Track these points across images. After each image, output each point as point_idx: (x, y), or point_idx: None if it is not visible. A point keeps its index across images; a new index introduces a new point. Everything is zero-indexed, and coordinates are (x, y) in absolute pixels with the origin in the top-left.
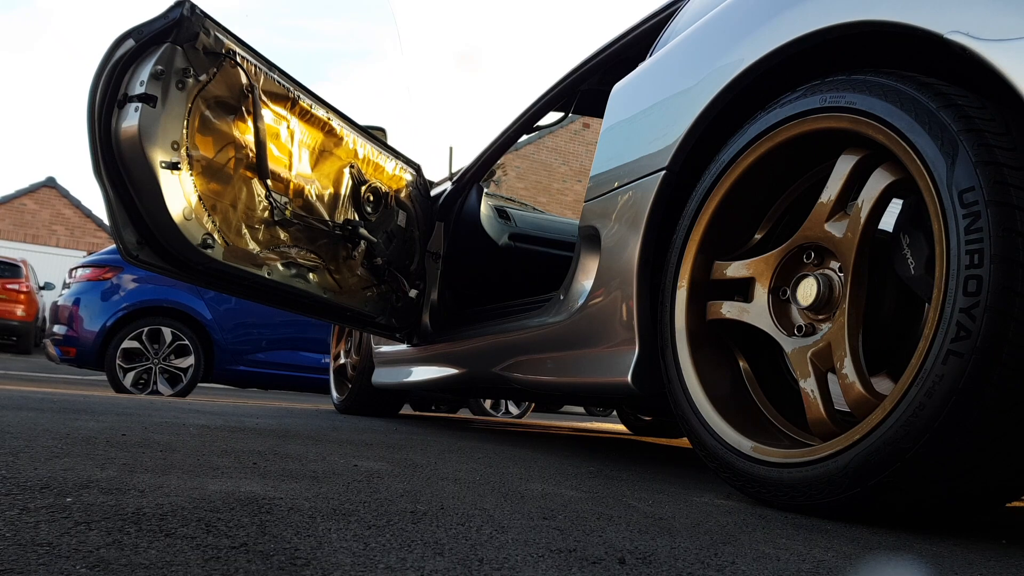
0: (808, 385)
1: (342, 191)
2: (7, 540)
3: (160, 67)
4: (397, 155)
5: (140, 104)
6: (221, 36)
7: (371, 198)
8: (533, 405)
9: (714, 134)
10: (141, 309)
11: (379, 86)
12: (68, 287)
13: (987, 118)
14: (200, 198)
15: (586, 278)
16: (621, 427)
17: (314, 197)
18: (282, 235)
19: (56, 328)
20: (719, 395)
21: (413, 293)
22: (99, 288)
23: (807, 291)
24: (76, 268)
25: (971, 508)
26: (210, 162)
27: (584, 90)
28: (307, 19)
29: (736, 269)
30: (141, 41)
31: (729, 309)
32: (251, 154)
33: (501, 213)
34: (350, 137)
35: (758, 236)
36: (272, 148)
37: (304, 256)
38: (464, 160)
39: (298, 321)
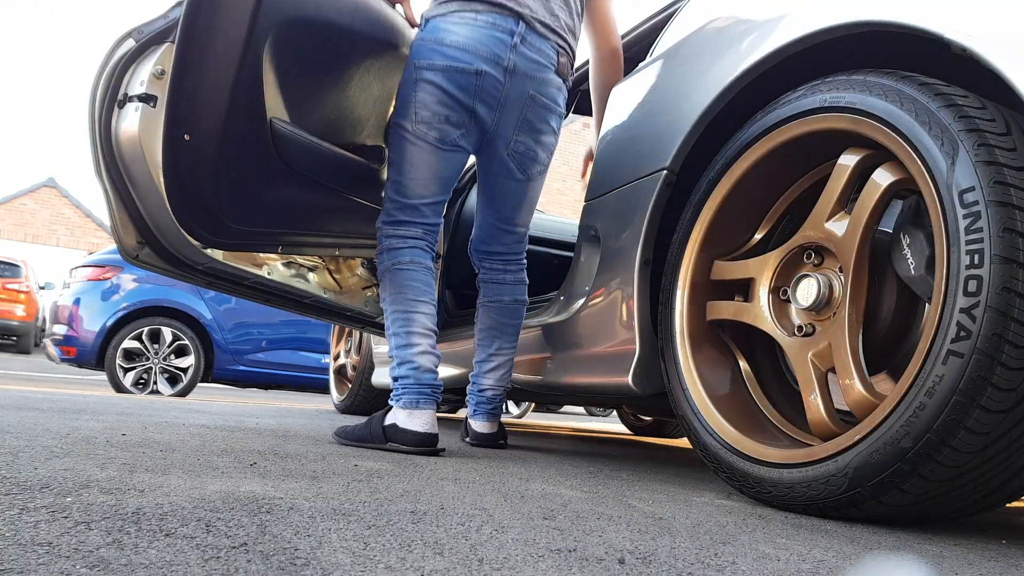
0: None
1: None
2: (7, 540)
3: (160, 67)
4: None
5: (140, 104)
6: None
7: None
8: (533, 405)
9: (715, 134)
10: (141, 309)
11: None
12: (68, 287)
13: (987, 118)
14: None
15: (586, 278)
16: (621, 427)
17: None
18: None
19: (56, 328)
20: (719, 395)
21: None
22: (99, 288)
23: (807, 291)
24: (76, 268)
25: (971, 508)
26: None
27: (584, 90)
28: None
29: (736, 269)
30: (141, 41)
31: (729, 309)
32: None
33: None
34: None
35: (758, 236)
36: None
37: (304, 256)
38: None
39: (298, 321)
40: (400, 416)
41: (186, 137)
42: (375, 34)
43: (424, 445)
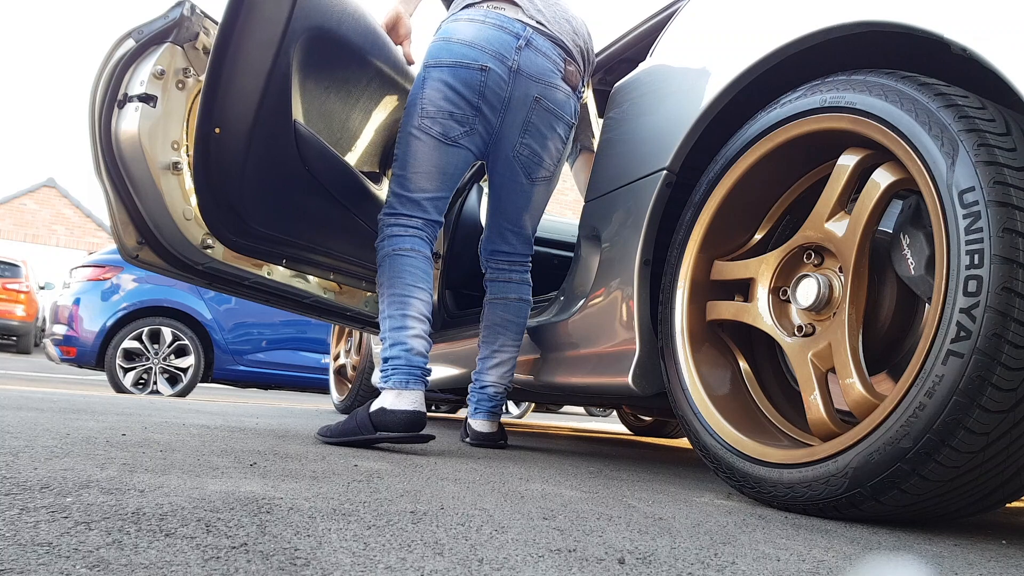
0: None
1: None
2: (7, 540)
3: (160, 67)
4: None
5: (140, 104)
6: None
7: None
8: (533, 405)
9: (715, 134)
10: (141, 309)
11: None
12: (68, 287)
13: (987, 118)
14: None
15: (586, 278)
16: (621, 427)
17: None
18: None
19: (56, 328)
20: (719, 395)
21: None
22: (99, 288)
23: (807, 291)
24: (76, 268)
25: (971, 508)
26: None
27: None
28: None
29: (736, 269)
30: (141, 41)
31: (729, 309)
32: None
33: None
34: None
35: (758, 236)
36: None
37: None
38: None
39: (298, 321)
40: (388, 398)
41: (217, 131)
42: (383, 62)
43: (412, 424)
